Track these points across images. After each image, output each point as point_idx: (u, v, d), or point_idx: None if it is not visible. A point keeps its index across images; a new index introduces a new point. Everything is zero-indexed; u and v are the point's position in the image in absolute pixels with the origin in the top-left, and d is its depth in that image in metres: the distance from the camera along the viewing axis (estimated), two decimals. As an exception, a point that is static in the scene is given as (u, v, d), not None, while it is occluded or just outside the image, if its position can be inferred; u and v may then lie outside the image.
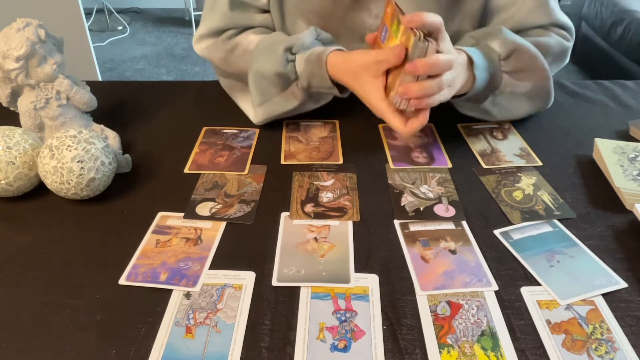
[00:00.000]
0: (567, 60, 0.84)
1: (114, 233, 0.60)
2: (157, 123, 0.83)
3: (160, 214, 0.63)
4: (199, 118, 0.84)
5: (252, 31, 0.81)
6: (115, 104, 0.87)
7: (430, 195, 0.67)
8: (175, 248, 0.58)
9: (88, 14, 3.68)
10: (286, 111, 0.78)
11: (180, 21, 3.88)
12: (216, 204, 0.65)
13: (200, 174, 0.71)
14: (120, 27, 3.71)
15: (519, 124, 0.83)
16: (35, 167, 0.63)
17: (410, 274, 0.55)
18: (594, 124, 0.84)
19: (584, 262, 0.57)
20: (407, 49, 0.61)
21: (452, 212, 0.64)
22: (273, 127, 0.81)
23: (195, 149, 0.76)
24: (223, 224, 0.62)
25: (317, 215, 0.63)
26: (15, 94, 0.70)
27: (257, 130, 0.81)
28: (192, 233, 0.60)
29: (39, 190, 0.65)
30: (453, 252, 0.58)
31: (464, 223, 0.62)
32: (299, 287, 0.53)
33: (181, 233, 0.60)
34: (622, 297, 0.53)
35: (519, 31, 0.78)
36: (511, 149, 0.77)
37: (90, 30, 2.27)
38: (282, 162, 0.74)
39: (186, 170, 0.72)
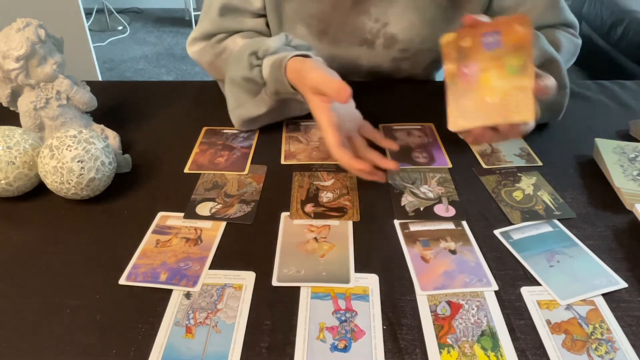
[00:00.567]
0: (576, 57, 0.83)
1: (114, 233, 0.60)
2: (157, 123, 0.83)
3: (160, 214, 0.63)
4: (199, 118, 0.84)
5: (241, 35, 0.80)
6: (115, 104, 0.87)
7: (430, 195, 0.67)
8: (175, 248, 0.58)
9: (88, 14, 3.68)
10: (258, 116, 0.75)
11: (180, 21, 3.88)
12: (216, 204, 0.65)
13: (200, 174, 0.71)
14: (120, 27, 3.71)
15: (519, 124, 0.83)
16: (35, 167, 0.63)
17: (410, 274, 0.55)
18: (594, 124, 0.84)
19: (584, 262, 0.57)
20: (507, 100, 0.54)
21: (452, 212, 0.64)
22: (273, 127, 0.81)
23: (195, 149, 0.76)
24: (223, 224, 0.62)
25: (317, 215, 0.63)
26: (15, 94, 0.70)
27: (257, 130, 0.80)
28: (192, 233, 0.60)
29: (39, 190, 0.65)
30: (453, 252, 0.58)
31: (464, 223, 0.62)
32: (299, 287, 0.53)
33: (181, 233, 0.60)
34: (622, 297, 0.53)
35: None
36: (511, 149, 0.77)
37: (90, 30, 2.27)
38: (282, 162, 0.74)
39: (186, 170, 0.72)
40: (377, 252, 0.58)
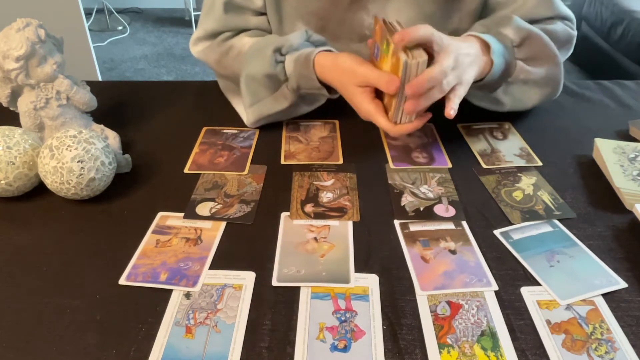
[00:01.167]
0: (572, 49, 0.83)
1: (114, 233, 0.60)
2: (157, 123, 0.83)
3: (160, 214, 0.63)
4: (199, 118, 0.84)
5: (246, 34, 0.81)
6: (115, 104, 0.87)
7: (430, 195, 0.67)
8: (175, 248, 0.58)
9: (88, 14, 3.68)
10: (276, 112, 0.78)
11: (180, 21, 3.88)
12: (216, 204, 0.65)
13: (200, 174, 0.71)
14: (120, 27, 3.71)
15: (519, 124, 0.83)
16: (35, 167, 0.63)
17: (410, 274, 0.55)
18: (594, 124, 0.84)
19: (584, 262, 0.57)
20: (399, 72, 0.61)
21: (452, 212, 0.64)
22: (273, 127, 0.81)
23: (195, 149, 0.76)
24: (223, 224, 0.62)
25: (317, 215, 0.63)
26: (15, 94, 0.70)
27: (257, 130, 0.81)
28: (192, 233, 0.60)
29: (39, 190, 0.65)
30: (453, 252, 0.58)
31: (464, 223, 0.62)
32: (299, 287, 0.53)
33: (181, 233, 0.60)
34: (622, 297, 0.53)
35: None
36: (511, 149, 0.77)
37: (90, 30, 2.27)
38: (282, 162, 0.74)
39: (186, 170, 0.72)
40: (377, 252, 0.58)
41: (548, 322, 0.50)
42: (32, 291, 0.52)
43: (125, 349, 0.47)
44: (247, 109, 0.78)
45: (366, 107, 0.68)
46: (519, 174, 0.71)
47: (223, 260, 0.57)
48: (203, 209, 0.64)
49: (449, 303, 0.52)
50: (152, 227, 0.61)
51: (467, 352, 0.47)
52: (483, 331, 0.49)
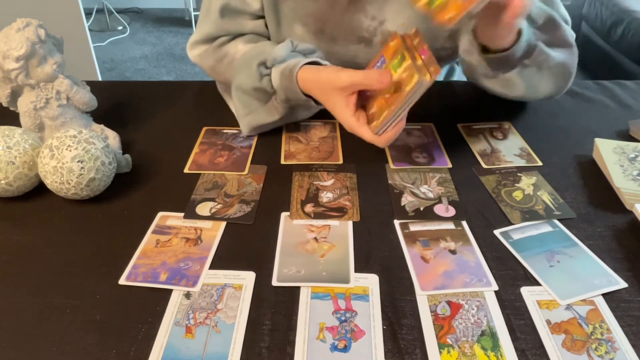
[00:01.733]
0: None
1: (114, 233, 0.60)
2: (157, 123, 0.83)
3: (160, 214, 0.63)
4: (199, 118, 0.84)
5: (242, 39, 0.81)
6: (115, 104, 0.87)
7: (430, 195, 0.67)
8: (175, 248, 0.58)
9: (88, 14, 3.68)
10: (270, 122, 0.77)
11: (180, 21, 3.88)
12: (216, 204, 0.65)
13: (200, 174, 0.71)
14: (120, 27, 3.71)
15: (519, 124, 0.83)
16: (35, 167, 0.63)
17: (410, 274, 0.55)
18: (594, 124, 0.84)
19: (584, 262, 0.57)
20: (401, 83, 0.61)
21: (452, 212, 0.64)
22: (273, 128, 0.81)
23: (195, 149, 0.76)
24: (223, 224, 0.62)
25: (317, 215, 0.63)
26: (15, 94, 0.70)
27: (257, 130, 0.81)
28: (192, 233, 0.60)
29: (39, 190, 0.65)
30: (453, 252, 0.58)
31: (464, 223, 0.62)
32: (299, 287, 0.53)
33: (181, 233, 0.60)
34: (622, 297, 0.53)
35: None
36: (511, 149, 0.77)
37: (90, 30, 2.27)
38: (282, 162, 0.74)
39: (186, 170, 0.72)
40: (377, 252, 0.58)
41: (548, 322, 0.50)
42: (32, 291, 0.52)
43: (125, 349, 0.47)
44: (241, 119, 0.78)
45: (348, 120, 0.66)
46: (519, 174, 0.71)
47: (223, 260, 0.57)
48: (203, 209, 0.64)
49: (449, 303, 0.52)
50: (152, 227, 0.61)
51: (467, 352, 0.47)
52: (483, 331, 0.49)
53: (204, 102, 0.90)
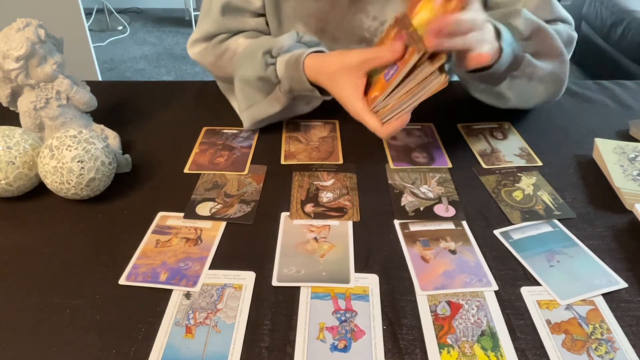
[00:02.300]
0: (572, 50, 0.83)
1: (114, 233, 0.60)
2: (157, 123, 0.83)
3: (160, 214, 0.63)
4: (199, 118, 0.84)
5: (243, 34, 0.81)
6: (115, 104, 0.87)
7: (430, 195, 0.67)
8: (175, 248, 0.58)
9: (88, 14, 3.68)
10: (270, 115, 0.77)
11: (180, 21, 3.88)
12: (216, 204, 0.65)
13: (200, 174, 0.71)
14: (120, 27, 3.71)
15: (519, 124, 0.83)
16: (35, 167, 0.63)
17: (410, 274, 0.55)
18: (594, 124, 0.84)
19: (584, 262, 0.57)
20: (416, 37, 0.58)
21: (452, 212, 0.64)
22: (273, 127, 0.81)
23: (195, 149, 0.76)
24: (223, 224, 0.62)
25: (317, 215, 0.63)
26: (15, 94, 0.70)
27: (257, 130, 0.80)
28: (192, 233, 0.60)
29: (39, 190, 0.65)
30: (453, 252, 0.58)
31: (464, 223, 0.62)
32: (299, 287, 0.53)
33: (181, 233, 0.60)
34: (622, 297, 0.53)
35: None
36: (511, 149, 0.77)
37: (90, 30, 2.27)
38: (282, 162, 0.74)
39: (186, 170, 0.72)
40: (377, 252, 0.58)
41: (548, 322, 0.50)
42: (32, 291, 0.52)
43: (125, 349, 0.47)
44: (243, 112, 0.78)
45: (355, 104, 0.66)
46: (519, 174, 0.71)
47: (223, 260, 0.57)
48: (203, 209, 0.64)
49: (449, 303, 0.52)
50: (152, 227, 0.61)
51: (467, 352, 0.47)
52: (483, 331, 0.49)
53: (204, 102, 0.90)
